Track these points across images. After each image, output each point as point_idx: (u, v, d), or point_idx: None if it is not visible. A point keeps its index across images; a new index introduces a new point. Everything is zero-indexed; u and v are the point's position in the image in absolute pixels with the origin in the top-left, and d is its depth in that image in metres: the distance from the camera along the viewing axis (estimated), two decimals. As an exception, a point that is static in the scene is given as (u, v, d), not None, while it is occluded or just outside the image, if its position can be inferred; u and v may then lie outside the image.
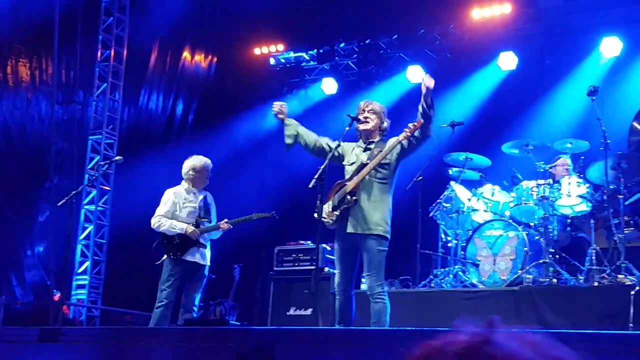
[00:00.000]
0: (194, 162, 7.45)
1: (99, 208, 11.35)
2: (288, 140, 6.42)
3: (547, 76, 10.95)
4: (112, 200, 11.49)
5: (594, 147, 8.12)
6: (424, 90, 6.03)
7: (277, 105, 6.59)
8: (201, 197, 7.46)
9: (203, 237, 7.30)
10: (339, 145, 6.28)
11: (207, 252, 7.37)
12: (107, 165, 10.58)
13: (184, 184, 7.44)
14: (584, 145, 8.46)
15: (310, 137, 6.37)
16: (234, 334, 4.32)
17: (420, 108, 6.04)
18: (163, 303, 7.09)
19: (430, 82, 6.00)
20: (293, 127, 6.43)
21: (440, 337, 1.11)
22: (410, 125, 6.01)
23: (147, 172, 10.99)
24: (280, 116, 6.52)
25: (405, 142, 6.03)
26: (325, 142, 6.34)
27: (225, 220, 7.39)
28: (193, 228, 7.22)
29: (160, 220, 7.27)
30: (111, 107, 11.63)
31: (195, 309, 7.32)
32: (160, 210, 7.34)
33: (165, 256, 7.24)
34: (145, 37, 11.98)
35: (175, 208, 7.34)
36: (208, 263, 7.38)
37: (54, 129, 10.60)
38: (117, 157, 8.97)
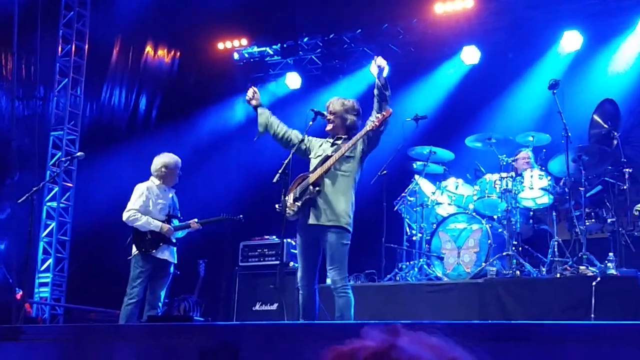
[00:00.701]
0: (165, 159, 7.40)
1: (61, 205, 11.21)
2: (260, 129, 6.42)
3: (509, 70, 11.04)
4: (74, 197, 11.35)
5: (556, 140, 8.21)
6: (376, 71, 6.07)
7: (250, 92, 6.58)
8: (171, 194, 7.43)
9: (175, 235, 7.29)
10: (302, 140, 6.27)
11: (174, 251, 7.36)
12: (68, 162, 10.43)
13: (155, 181, 7.38)
14: (545, 138, 8.55)
15: (280, 127, 6.38)
16: (198, 329, 4.29)
17: (376, 90, 6.05)
18: (134, 300, 7.03)
19: (383, 62, 6.05)
20: (265, 116, 6.44)
21: (348, 343, 1.18)
22: (378, 115, 5.98)
23: (110, 168, 10.88)
24: (253, 102, 6.52)
25: (370, 134, 6.01)
26: (294, 134, 6.35)
27: (195, 219, 7.39)
28: (168, 226, 7.22)
29: (136, 215, 7.21)
30: (73, 102, 11.48)
31: (160, 305, 7.28)
32: (135, 204, 7.27)
33: (136, 252, 7.17)
34: (106, 31, 11.84)
35: (148, 203, 7.29)
36: (175, 261, 7.36)
37: (15, 125, 10.42)
38: (78, 153, 8.86)
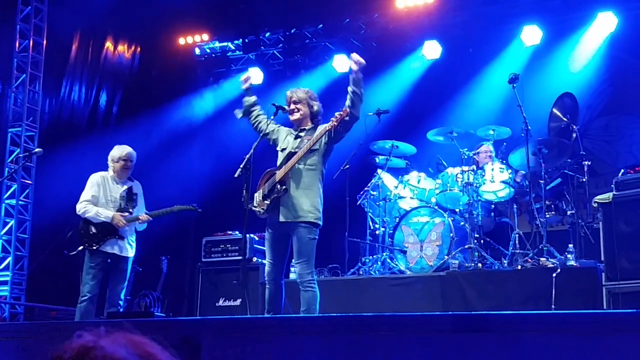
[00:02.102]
0: (114, 151, 7.30)
1: (20, 202, 11.04)
2: (244, 110, 6.49)
3: (470, 64, 11.11)
4: (33, 194, 11.20)
5: (516, 133, 8.29)
6: (355, 67, 6.06)
7: (245, 75, 6.66)
8: (125, 187, 7.29)
9: (123, 229, 7.12)
10: (274, 130, 6.32)
11: (129, 244, 7.21)
12: (26, 158, 10.28)
13: (110, 172, 7.30)
14: (505, 131, 8.64)
15: (261, 114, 6.44)
16: (159, 325, 4.26)
17: (350, 88, 6.06)
18: (86, 297, 6.93)
19: (360, 59, 6.05)
20: (252, 100, 6.48)
21: (60, 346, 1.32)
22: (336, 114, 6.01)
23: (71, 165, 10.74)
24: (246, 85, 6.53)
25: (332, 130, 6.02)
26: (270, 124, 6.38)
27: (145, 212, 7.27)
28: (120, 216, 7.06)
29: (87, 207, 7.10)
30: (31, 98, 11.30)
31: (121, 302, 7.17)
32: (86, 195, 7.17)
33: (80, 247, 7.07)
34: (65, 27, 11.67)
35: (99, 194, 7.19)
36: (130, 255, 7.23)
37: (-29, 122, 10.27)
38: (36, 150, 8.73)
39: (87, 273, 7.00)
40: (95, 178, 7.25)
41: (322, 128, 6.09)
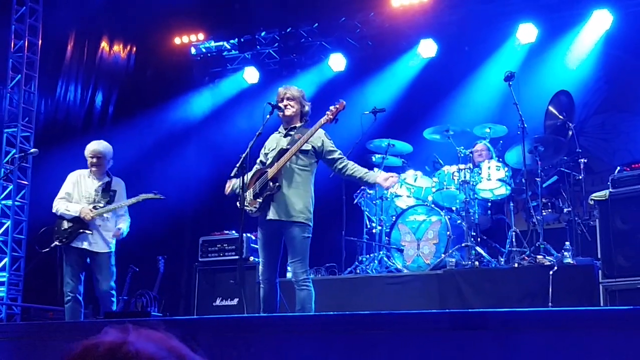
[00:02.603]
0: (87, 147, 7.28)
1: (16, 203, 11.02)
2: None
3: (466, 63, 11.10)
4: (30, 195, 11.17)
5: (512, 131, 8.30)
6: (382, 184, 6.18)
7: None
8: (100, 183, 7.24)
9: (92, 222, 7.05)
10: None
11: (102, 239, 7.10)
12: (22, 159, 10.26)
13: (88, 169, 7.29)
14: (502, 129, 8.64)
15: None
16: (156, 325, 4.25)
17: (361, 182, 6.28)
18: (70, 297, 6.93)
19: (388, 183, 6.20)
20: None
21: (91, 339, 1.34)
22: (332, 107, 6.01)
23: (67, 165, 10.62)
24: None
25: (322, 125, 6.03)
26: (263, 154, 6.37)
27: (111, 205, 7.16)
28: (88, 209, 7.01)
29: (58, 204, 7.12)
30: (27, 99, 11.28)
31: (113, 298, 7.09)
32: (60, 192, 7.21)
33: (53, 243, 7.04)
34: (60, 27, 11.64)
35: (73, 191, 7.18)
36: (104, 250, 7.11)
37: (-33, 123, 10.24)
38: (32, 150, 8.72)
39: (65, 272, 7.00)
40: (71, 176, 7.28)
41: (315, 125, 6.08)
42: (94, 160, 7.22)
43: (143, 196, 7.26)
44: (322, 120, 6.00)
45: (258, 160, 6.37)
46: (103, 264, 7.09)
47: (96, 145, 7.26)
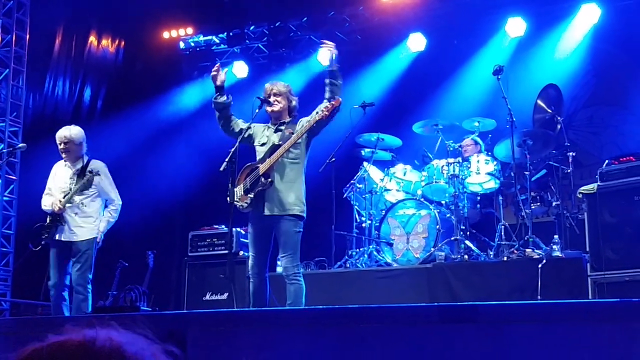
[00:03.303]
0: (58, 133, 7.19)
1: (5, 198, 10.97)
2: (216, 106, 6.37)
3: (455, 56, 11.11)
4: (18, 190, 11.12)
5: (501, 125, 8.31)
6: (327, 56, 6.10)
7: (216, 67, 6.51)
8: (72, 170, 7.13)
9: (63, 213, 6.94)
10: (249, 127, 6.26)
11: (78, 227, 7.00)
12: (10, 154, 10.21)
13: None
14: (490, 123, 8.66)
15: (231, 116, 6.36)
16: (144, 319, 4.24)
17: (327, 79, 6.09)
18: (51, 291, 6.91)
19: (330, 45, 6.24)
20: (224, 99, 6.37)
21: (52, 338, 1.30)
22: (327, 104, 5.99)
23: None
24: (220, 79, 6.41)
25: (319, 122, 6.00)
26: (240, 123, 6.33)
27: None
28: (58, 201, 6.93)
29: (42, 200, 7.12)
30: (15, 93, 11.22)
31: (89, 288, 6.94)
32: (46, 189, 7.20)
33: (42, 241, 7.01)
34: (48, 21, 11.58)
35: (52, 184, 7.16)
36: (85, 237, 6.99)
37: (-46, 118, 10.18)
38: (20, 145, 8.66)
39: (50, 264, 6.99)
40: (52, 170, 7.26)
41: (305, 120, 6.09)
42: (62, 146, 7.11)
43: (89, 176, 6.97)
44: (317, 116, 5.96)
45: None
46: (78, 253, 6.95)
47: (63, 131, 7.15)
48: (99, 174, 7.02)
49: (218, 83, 6.39)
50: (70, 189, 6.99)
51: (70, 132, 7.16)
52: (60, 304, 6.92)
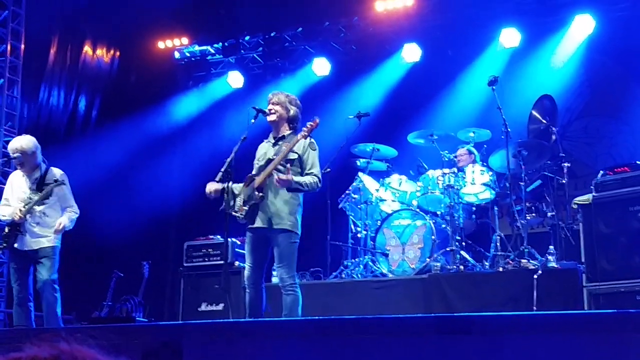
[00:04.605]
0: (8, 145, 7.10)
1: None
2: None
3: (450, 67, 11.14)
4: (13, 200, 11.09)
5: (496, 135, 8.32)
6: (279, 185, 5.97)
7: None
8: (31, 179, 7.02)
9: (24, 222, 6.83)
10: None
11: (39, 237, 6.90)
12: (4, 163, 10.19)
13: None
14: (485, 134, 8.67)
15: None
16: (140, 330, 4.23)
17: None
18: (15, 300, 6.85)
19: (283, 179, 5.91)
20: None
21: (14, 355, 1.31)
22: (308, 124, 6.00)
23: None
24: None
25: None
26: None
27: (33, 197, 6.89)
28: (18, 210, 6.82)
29: (0, 210, 7.02)
30: (9, 103, 11.21)
31: (56, 294, 6.82)
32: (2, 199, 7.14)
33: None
34: (43, 31, 11.59)
35: (10, 195, 7.08)
36: (45, 246, 6.88)
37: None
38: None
39: (11, 275, 6.94)
40: (9, 178, 7.20)
41: (297, 137, 6.06)
42: (15, 159, 7.02)
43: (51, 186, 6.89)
44: (299, 136, 5.96)
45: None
46: (43, 256, 6.85)
47: (14, 143, 7.03)
48: (65, 183, 6.97)
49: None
50: (30, 199, 6.86)
51: (21, 143, 6.99)
52: (20, 312, 6.81)
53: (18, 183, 7.09)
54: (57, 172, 7.10)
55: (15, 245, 6.87)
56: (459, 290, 7.30)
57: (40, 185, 6.94)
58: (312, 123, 5.99)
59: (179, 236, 10.97)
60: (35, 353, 1.30)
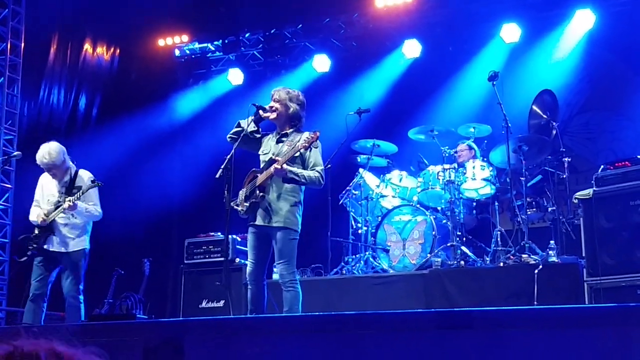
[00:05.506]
0: (36, 156, 7.11)
1: (0, 206, 10.96)
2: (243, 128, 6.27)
3: (450, 63, 11.13)
4: (13, 198, 11.10)
5: (496, 131, 8.32)
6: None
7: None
8: (59, 184, 7.12)
9: (53, 224, 6.95)
10: (262, 135, 6.32)
11: (68, 239, 7.01)
12: (5, 162, 10.19)
13: None
14: (486, 129, 8.67)
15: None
16: (141, 327, 4.23)
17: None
18: (30, 297, 6.90)
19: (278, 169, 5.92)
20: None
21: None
22: (308, 136, 5.95)
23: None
24: (264, 118, 6.26)
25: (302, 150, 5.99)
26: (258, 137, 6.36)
27: (69, 198, 6.93)
28: (43, 213, 6.96)
29: (30, 212, 7.12)
30: (10, 102, 11.20)
31: (81, 298, 6.95)
32: (34, 200, 7.19)
33: (28, 252, 6.99)
34: (43, 29, 11.58)
35: (40, 197, 7.16)
36: (75, 249, 7.01)
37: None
38: (15, 153, 8.64)
39: (33, 272, 6.97)
40: (39, 181, 7.24)
41: (299, 140, 6.00)
42: (46, 169, 7.13)
43: (86, 187, 6.98)
44: (299, 145, 5.90)
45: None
46: (69, 264, 6.98)
47: (41, 158, 7.05)
48: (99, 184, 7.07)
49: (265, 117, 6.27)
50: (59, 201, 6.97)
51: (51, 157, 7.03)
52: (31, 309, 6.88)
53: (48, 185, 7.18)
54: (85, 175, 7.18)
55: (45, 246, 6.98)
56: (460, 285, 7.30)
57: (69, 188, 7.04)
58: (312, 135, 5.94)
59: (180, 233, 10.97)
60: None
